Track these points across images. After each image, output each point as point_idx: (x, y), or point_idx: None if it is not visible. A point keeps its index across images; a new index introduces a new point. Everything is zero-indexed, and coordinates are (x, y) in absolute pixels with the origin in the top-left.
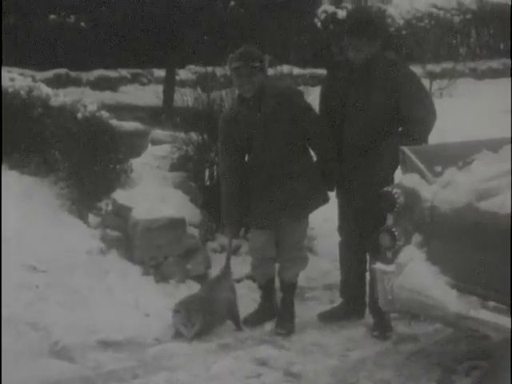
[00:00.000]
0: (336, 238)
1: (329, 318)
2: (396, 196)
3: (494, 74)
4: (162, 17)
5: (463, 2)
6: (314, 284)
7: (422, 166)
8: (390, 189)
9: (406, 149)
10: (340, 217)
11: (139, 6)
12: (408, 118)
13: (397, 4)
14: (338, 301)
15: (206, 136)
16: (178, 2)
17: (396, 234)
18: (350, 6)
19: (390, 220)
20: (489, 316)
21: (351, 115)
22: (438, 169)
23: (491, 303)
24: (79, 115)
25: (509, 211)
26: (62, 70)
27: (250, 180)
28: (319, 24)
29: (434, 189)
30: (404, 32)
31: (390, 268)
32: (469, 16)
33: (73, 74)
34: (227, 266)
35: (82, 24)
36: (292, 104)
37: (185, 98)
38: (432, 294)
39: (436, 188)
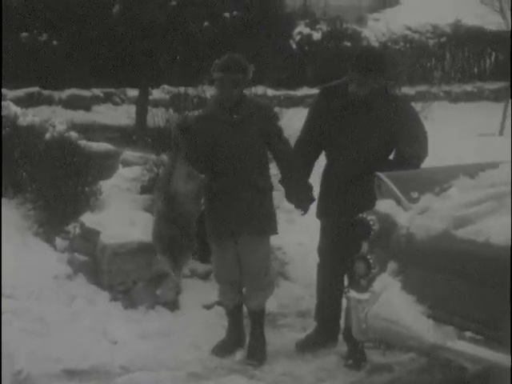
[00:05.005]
0: (309, 263)
1: (305, 346)
2: (371, 223)
3: (468, 97)
4: (135, 36)
5: (438, 25)
6: (287, 310)
7: (398, 192)
8: (365, 215)
9: (381, 174)
10: (321, 238)
11: (113, 25)
12: (403, 154)
13: (372, 26)
14: (311, 328)
15: None
16: (151, 21)
17: (371, 261)
18: (325, 28)
19: (364, 247)
20: (466, 347)
21: (345, 145)
22: (415, 195)
23: (468, 333)
24: (47, 135)
25: (484, 239)
26: (34, 89)
27: (211, 188)
28: (294, 45)
29: (410, 215)
30: None
31: (365, 296)
32: (443, 39)
33: (45, 92)
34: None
35: (55, 42)
36: (265, 121)
37: (156, 118)
38: (407, 323)
39: (412, 214)
